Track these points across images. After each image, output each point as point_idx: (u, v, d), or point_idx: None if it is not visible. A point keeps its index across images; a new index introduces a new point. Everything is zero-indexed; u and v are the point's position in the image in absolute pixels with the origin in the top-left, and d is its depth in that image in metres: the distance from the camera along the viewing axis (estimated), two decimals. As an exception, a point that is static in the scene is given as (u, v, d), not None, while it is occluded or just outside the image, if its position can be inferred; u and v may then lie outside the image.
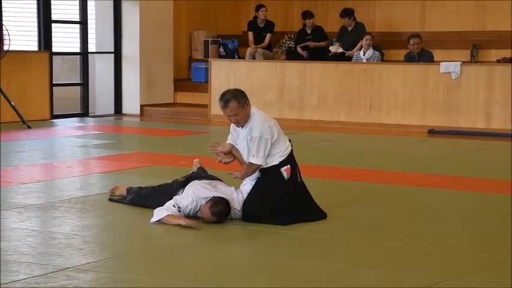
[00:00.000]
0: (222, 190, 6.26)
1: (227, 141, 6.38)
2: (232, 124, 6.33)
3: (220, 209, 6.04)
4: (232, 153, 6.32)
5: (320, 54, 14.26)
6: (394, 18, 14.83)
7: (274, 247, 5.53)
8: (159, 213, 6.05)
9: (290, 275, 4.84)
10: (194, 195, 6.16)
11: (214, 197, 6.10)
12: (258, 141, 6.12)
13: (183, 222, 5.92)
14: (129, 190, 6.78)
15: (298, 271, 4.91)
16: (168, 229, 5.88)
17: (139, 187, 6.80)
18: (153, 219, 6.03)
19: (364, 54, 13.38)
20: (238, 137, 6.32)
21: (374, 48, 13.42)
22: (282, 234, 5.80)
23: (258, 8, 14.67)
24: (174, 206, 6.09)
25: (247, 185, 6.27)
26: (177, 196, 6.23)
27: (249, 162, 6.19)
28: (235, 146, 6.32)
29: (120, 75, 14.78)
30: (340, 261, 5.13)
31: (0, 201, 6.70)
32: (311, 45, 14.34)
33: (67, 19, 14.59)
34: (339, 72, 13.16)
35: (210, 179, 6.48)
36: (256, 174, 6.23)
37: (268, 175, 6.21)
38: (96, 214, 6.43)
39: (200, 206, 6.11)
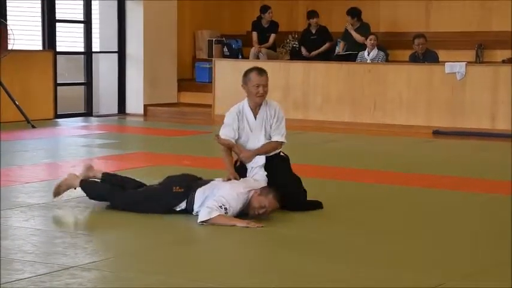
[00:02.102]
0: (247, 182, 6.22)
1: (222, 136, 6.52)
2: (234, 118, 6.46)
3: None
4: (233, 150, 6.44)
5: (324, 55, 14.25)
6: (399, 18, 14.81)
7: (274, 246, 5.51)
8: (210, 213, 5.83)
9: (290, 275, 4.81)
10: (235, 191, 6.00)
11: (261, 188, 6.05)
12: (284, 121, 6.50)
13: (239, 223, 5.80)
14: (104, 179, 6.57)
15: (299, 271, 4.88)
16: (170, 228, 5.86)
17: (124, 189, 6.46)
18: (201, 219, 5.84)
19: (368, 55, 13.36)
20: (251, 129, 6.43)
21: (378, 49, 13.41)
22: (282, 234, 5.78)
23: (265, 10, 14.64)
24: (221, 207, 5.87)
25: (260, 172, 6.36)
26: (219, 197, 5.93)
27: (277, 141, 6.45)
28: (238, 138, 6.46)
29: (124, 75, 14.77)
30: (341, 262, 5.10)
31: (0, 200, 6.69)
32: (313, 54, 14.32)
33: (71, 18, 14.59)
34: (343, 73, 13.14)
35: (210, 181, 6.30)
36: (263, 159, 6.38)
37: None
38: (99, 213, 6.42)
39: (243, 201, 5.99)
